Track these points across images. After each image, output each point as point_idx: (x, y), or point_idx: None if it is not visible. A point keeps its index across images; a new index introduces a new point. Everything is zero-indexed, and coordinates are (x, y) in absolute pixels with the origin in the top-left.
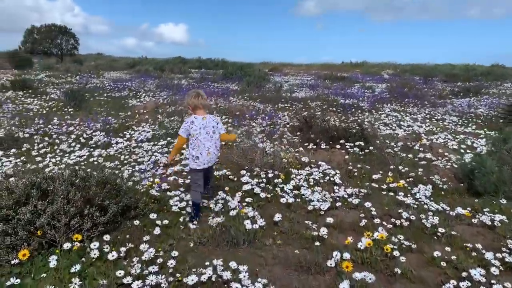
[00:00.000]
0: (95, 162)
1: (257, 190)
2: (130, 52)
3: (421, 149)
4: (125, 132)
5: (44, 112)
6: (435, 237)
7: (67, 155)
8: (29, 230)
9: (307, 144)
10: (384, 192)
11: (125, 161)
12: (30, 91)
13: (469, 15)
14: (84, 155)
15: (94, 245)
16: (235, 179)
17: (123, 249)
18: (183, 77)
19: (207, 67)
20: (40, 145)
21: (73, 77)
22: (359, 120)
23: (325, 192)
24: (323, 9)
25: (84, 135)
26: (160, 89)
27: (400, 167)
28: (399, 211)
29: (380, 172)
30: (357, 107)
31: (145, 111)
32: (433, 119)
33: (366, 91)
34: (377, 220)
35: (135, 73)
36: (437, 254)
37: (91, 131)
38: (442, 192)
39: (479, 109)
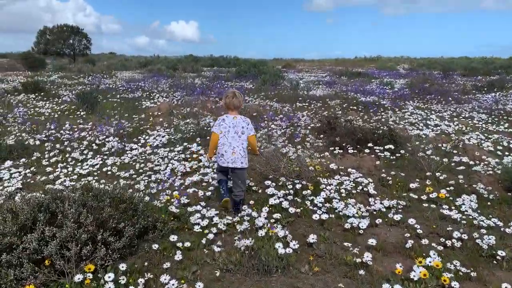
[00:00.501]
0: (109, 172)
1: (285, 204)
2: (142, 51)
3: (454, 151)
4: (139, 137)
5: (56, 116)
6: (494, 261)
7: (79, 164)
8: (36, 261)
9: (332, 148)
10: (425, 204)
11: (140, 170)
12: (42, 93)
13: (483, 6)
14: (97, 164)
15: (109, 277)
16: (259, 190)
17: (141, 280)
18: (196, 76)
19: (220, 65)
20: (51, 153)
21: (85, 78)
22: (383, 120)
23: (359, 205)
24: (334, 3)
25: (97, 141)
26: (174, 89)
27: (438, 174)
28: (448, 228)
29: (417, 180)
30: (378, 105)
31: (159, 113)
32: (461, 117)
33: (385, 87)
34: (424, 241)
35: (147, 72)
36: (506, 287)
37: (104, 136)
38: (488, 203)
39: (507, 105)
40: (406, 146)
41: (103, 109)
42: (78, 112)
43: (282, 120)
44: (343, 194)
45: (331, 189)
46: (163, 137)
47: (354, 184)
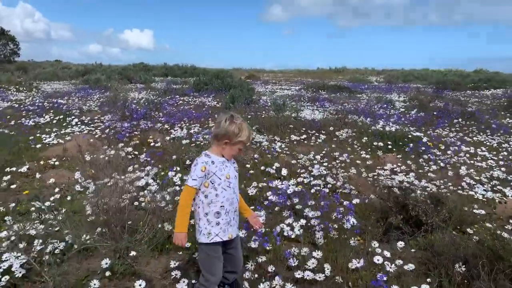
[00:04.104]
0: None
1: None
2: (95, 59)
3: None
4: None
5: None
6: None
7: None
8: None
9: None
10: None
11: None
12: None
13: (430, 21)
14: None
15: None
16: None
17: None
18: (143, 87)
19: (174, 74)
20: None
21: None
22: (450, 173)
23: None
24: (290, 14)
25: None
26: (105, 109)
27: None
28: None
29: None
30: (413, 140)
31: (58, 161)
32: None
33: (387, 106)
34: None
35: (83, 83)
36: None
37: None
38: None
39: None
40: None
41: None
42: None
43: (283, 187)
44: None
45: None
46: (18, 257)
47: None
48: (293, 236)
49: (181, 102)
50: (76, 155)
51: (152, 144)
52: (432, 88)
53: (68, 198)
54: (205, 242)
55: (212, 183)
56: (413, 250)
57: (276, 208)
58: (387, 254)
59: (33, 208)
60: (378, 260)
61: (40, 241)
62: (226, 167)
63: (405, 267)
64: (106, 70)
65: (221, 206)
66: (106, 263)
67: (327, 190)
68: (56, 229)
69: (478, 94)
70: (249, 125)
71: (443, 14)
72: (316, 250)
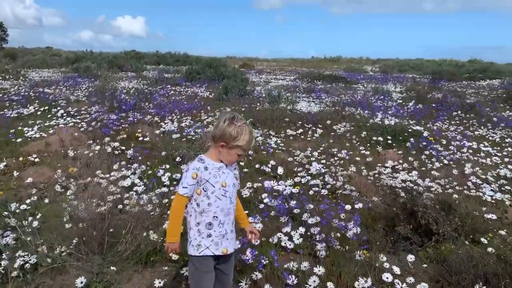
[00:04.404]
0: None
1: None
2: (87, 46)
3: None
4: None
5: None
6: None
7: None
8: None
9: None
10: None
11: None
12: None
13: (423, 9)
14: None
15: None
16: None
17: None
18: (134, 76)
19: (167, 62)
20: None
21: None
22: (455, 172)
23: None
24: (282, 1)
25: None
26: (93, 100)
27: None
28: None
29: None
30: (414, 134)
31: (39, 157)
32: None
33: (384, 97)
34: None
35: (72, 71)
36: None
37: None
38: None
39: None
40: None
41: None
42: None
43: (279, 188)
44: None
45: None
46: None
47: None
48: (291, 247)
49: (172, 92)
50: (59, 150)
51: (140, 138)
52: (428, 78)
53: (46, 200)
54: (194, 254)
55: (205, 191)
56: (425, 265)
57: (272, 213)
58: (397, 270)
59: (6, 213)
60: (387, 278)
61: (8, 254)
62: (222, 174)
63: (418, 286)
64: (97, 58)
65: (214, 217)
66: (82, 282)
67: (326, 192)
68: (28, 238)
69: (474, 84)
70: (253, 130)
71: (436, 0)
72: (317, 265)
